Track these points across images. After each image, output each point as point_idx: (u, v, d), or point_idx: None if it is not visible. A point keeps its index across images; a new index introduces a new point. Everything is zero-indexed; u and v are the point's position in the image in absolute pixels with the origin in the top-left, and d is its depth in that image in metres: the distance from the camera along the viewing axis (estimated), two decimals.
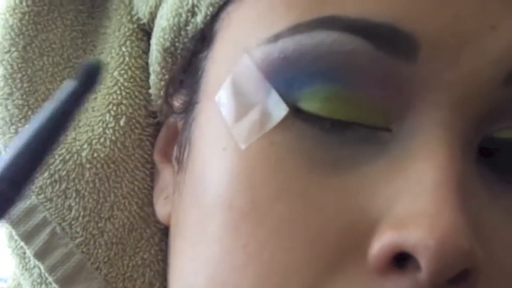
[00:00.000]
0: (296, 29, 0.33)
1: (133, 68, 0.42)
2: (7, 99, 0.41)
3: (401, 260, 0.31)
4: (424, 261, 0.30)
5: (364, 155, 0.33)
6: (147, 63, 0.42)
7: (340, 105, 0.33)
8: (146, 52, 0.42)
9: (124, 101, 0.41)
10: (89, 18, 0.44)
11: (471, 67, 0.32)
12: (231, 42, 0.36)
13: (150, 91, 0.42)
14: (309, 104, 0.33)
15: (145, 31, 0.43)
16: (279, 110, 0.33)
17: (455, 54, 0.32)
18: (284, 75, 0.33)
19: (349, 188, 0.33)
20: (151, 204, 0.42)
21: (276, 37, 0.33)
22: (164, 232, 0.42)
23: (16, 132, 0.41)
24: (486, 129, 0.33)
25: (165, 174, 0.41)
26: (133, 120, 0.41)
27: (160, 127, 0.42)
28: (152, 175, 0.42)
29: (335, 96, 0.33)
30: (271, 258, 0.33)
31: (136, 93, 0.42)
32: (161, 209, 0.41)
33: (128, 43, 0.42)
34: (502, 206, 0.33)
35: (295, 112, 0.33)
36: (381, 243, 0.31)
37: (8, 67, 0.41)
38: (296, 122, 0.33)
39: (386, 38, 0.32)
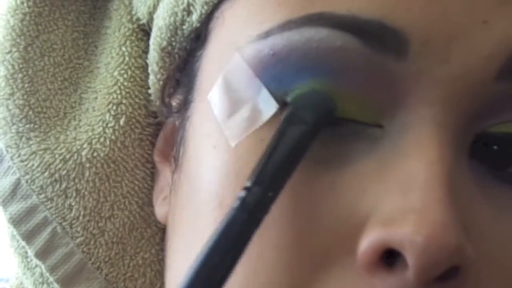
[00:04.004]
0: (286, 26, 0.33)
1: (133, 68, 0.42)
2: (8, 99, 0.42)
3: (390, 257, 0.31)
4: (410, 257, 0.30)
5: (355, 151, 0.33)
6: (147, 63, 0.42)
7: None
8: (146, 52, 0.42)
9: (124, 101, 0.41)
10: (91, 19, 0.45)
11: (462, 63, 0.32)
12: (224, 40, 0.36)
13: (150, 91, 0.42)
14: None
15: (145, 31, 0.43)
16: (269, 107, 0.33)
17: (445, 50, 0.32)
18: (274, 71, 0.33)
19: (339, 185, 0.32)
20: (151, 203, 0.42)
21: (267, 34, 0.33)
22: (164, 231, 0.42)
23: (17, 132, 0.41)
24: (479, 125, 0.33)
25: (164, 174, 0.42)
26: (133, 120, 0.41)
27: (160, 127, 0.42)
28: (152, 174, 0.43)
29: (325, 92, 0.32)
30: (260, 255, 0.32)
31: (136, 93, 0.42)
32: (160, 209, 0.41)
33: (128, 43, 0.42)
34: (496, 204, 0.33)
35: (285, 108, 0.33)
36: (369, 240, 0.31)
37: (9, 67, 0.42)
38: None
39: (375, 35, 0.32)
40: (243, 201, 0.30)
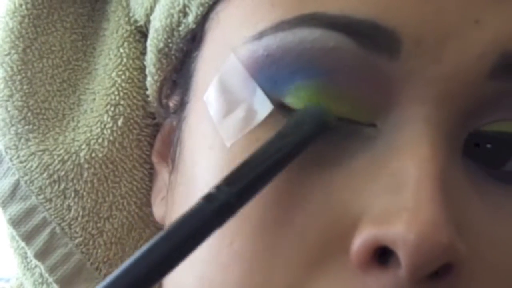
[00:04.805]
0: (279, 27, 0.33)
1: (130, 69, 0.42)
2: (7, 100, 0.42)
3: (383, 256, 0.31)
4: (403, 256, 0.30)
5: (348, 150, 0.33)
6: (144, 65, 0.42)
7: (324, 101, 0.33)
8: (144, 53, 0.43)
9: (122, 102, 0.42)
10: (89, 21, 0.45)
11: (454, 62, 0.32)
12: (220, 41, 0.36)
13: (147, 92, 0.42)
14: (294, 101, 0.33)
15: (142, 33, 0.43)
16: (264, 107, 0.33)
17: (438, 49, 0.32)
18: (269, 72, 0.33)
19: (333, 184, 0.32)
20: (149, 204, 0.42)
21: (260, 35, 0.33)
22: None
23: (16, 133, 0.42)
24: (472, 124, 0.33)
25: (162, 175, 0.42)
26: (131, 121, 0.42)
27: (158, 128, 0.43)
28: (150, 175, 0.43)
29: (319, 92, 0.33)
30: (255, 256, 0.32)
31: (134, 94, 0.42)
32: (158, 210, 0.41)
33: (126, 44, 0.43)
34: (489, 202, 0.33)
35: (280, 108, 0.33)
36: (361, 238, 0.31)
37: (8, 69, 0.42)
38: (281, 119, 0.33)
39: (368, 35, 0.32)
40: (209, 198, 0.29)
